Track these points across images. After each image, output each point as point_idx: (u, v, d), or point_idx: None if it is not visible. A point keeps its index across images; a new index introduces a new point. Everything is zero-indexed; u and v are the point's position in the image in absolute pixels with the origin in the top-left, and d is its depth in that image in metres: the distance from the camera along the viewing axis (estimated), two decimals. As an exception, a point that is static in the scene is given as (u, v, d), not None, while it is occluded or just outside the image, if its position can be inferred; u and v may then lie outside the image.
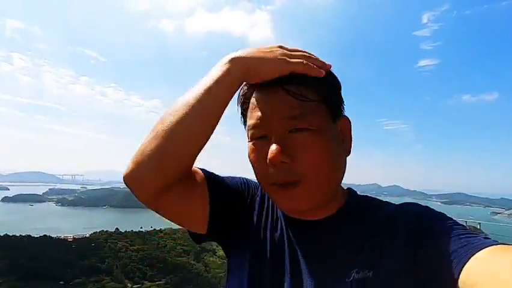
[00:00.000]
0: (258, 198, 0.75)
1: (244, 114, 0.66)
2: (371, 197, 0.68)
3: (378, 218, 0.60)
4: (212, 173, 0.74)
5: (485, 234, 0.50)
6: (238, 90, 0.65)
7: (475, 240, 0.46)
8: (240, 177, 0.79)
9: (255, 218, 0.72)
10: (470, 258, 0.43)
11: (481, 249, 0.43)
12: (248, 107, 0.64)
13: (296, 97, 0.57)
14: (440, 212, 0.56)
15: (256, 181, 0.66)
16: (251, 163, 0.63)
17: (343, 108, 0.65)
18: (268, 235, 0.68)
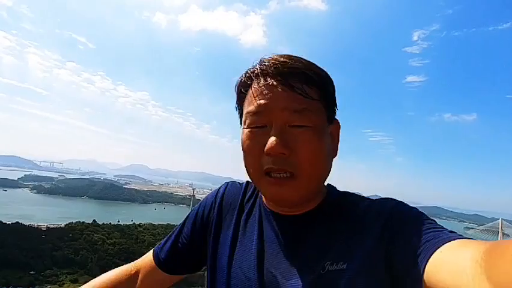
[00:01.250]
0: (215, 209, 0.79)
1: (240, 101, 0.68)
2: (349, 192, 0.70)
3: (355, 213, 0.62)
4: (163, 254, 0.81)
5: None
6: (239, 77, 0.68)
7: (441, 234, 0.49)
8: (192, 212, 0.84)
9: (214, 226, 0.77)
10: (435, 251, 0.45)
11: (446, 242, 0.46)
12: (247, 94, 0.65)
13: (300, 93, 0.59)
14: (412, 207, 0.59)
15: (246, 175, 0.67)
16: (245, 150, 0.64)
17: (336, 111, 0.68)
18: (230, 235, 0.72)
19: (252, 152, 0.62)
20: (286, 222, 0.66)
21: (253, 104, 0.62)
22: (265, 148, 0.58)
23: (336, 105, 0.67)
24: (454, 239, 0.47)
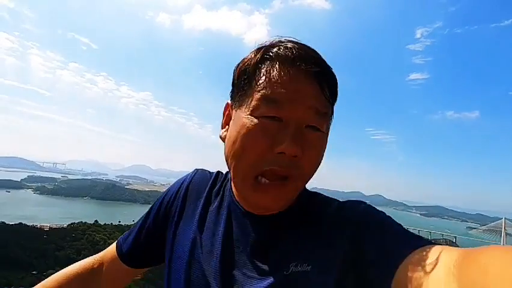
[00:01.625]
0: (180, 198, 0.74)
1: (249, 76, 0.57)
2: (319, 193, 0.68)
3: (324, 215, 0.60)
4: (126, 246, 0.78)
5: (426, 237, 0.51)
6: (249, 55, 0.59)
7: (411, 240, 0.48)
8: (157, 201, 0.79)
9: (173, 218, 0.72)
10: (406, 256, 0.44)
11: (417, 248, 0.45)
12: (258, 76, 0.55)
13: (325, 94, 0.55)
14: (380, 211, 0.57)
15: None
16: (244, 141, 0.54)
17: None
18: (192, 228, 0.68)
19: (256, 147, 0.53)
20: (256, 222, 0.62)
21: (273, 90, 0.52)
22: (282, 147, 0.51)
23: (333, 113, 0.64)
24: (424, 245, 0.46)
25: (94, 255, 0.83)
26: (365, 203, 0.60)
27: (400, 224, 0.54)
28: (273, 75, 0.53)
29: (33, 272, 39.97)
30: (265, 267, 0.57)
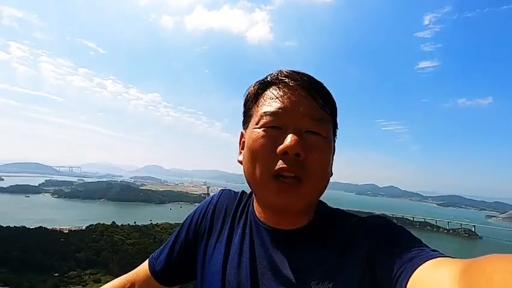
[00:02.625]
0: (208, 217, 0.79)
1: (253, 102, 0.68)
2: (339, 209, 0.71)
3: (343, 231, 0.62)
4: (159, 264, 0.82)
5: (434, 248, 0.53)
6: (257, 81, 0.69)
7: (423, 252, 0.50)
8: (186, 219, 0.83)
9: (204, 235, 0.77)
10: (416, 269, 0.47)
11: (427, 260, 0.47)
12: (263, 96, 0.66)
13: (319, 104, 0.62)
14: (399, 226, 0.60)
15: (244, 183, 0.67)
16: (253, 150, 0.62)
17: (336, 135, 0.70)
18: (222, 247, 0.71)
19: (263, 152, 0.61)
20: (277, 237, 0.66)
21: (271, 106, 0.62)
22: (282, 146, 0.58)
23: (337, 126, 0.70)
24: (434, 257, 0.47)
25: (125, 275, 0.86)
26: (384, 217, 0.63)
27: (416, 238, 0.56)
28: (271, 95, 0.64)
29: (55, 274, 40.89)
30: (289, 285, 0.60)
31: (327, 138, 0.62)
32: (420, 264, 0.47)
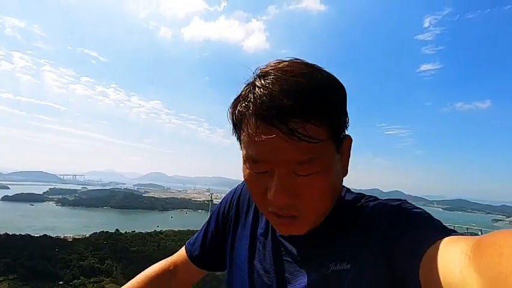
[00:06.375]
0: (233, 207, 0.82)
1: (237, 132, 0.61)
2: (359, 194, 0.68)
3: (362, 215, 0.62)
4: (195, 250, 0.87)
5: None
6: (232, 104, 0.60)
7: (437, 232, 0.49)
8: (215, 209, 0.88)
9: (232, 224, 0.80)
10: (429, 247, 0.46)
11: (440, 239, 0.46)
12: (243, 131, 0.57)
13: (303, 139, 0.51)
14: (416, 207, 0.59)
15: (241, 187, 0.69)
16: (248, 187, 0.62)
17: (347, 126, 0.61)
18: (247, 235, 0.75)
19: (256, 195, 0.60)
20: (293, 236, 0.66)
21: (251, 150, 0.56)
22: (268, 197, 0.56)
23: (347, 122, 0.60)
24: (448, 235, 0.47)
25: (166, 258, 0.93)
26: (402, 200, 0.62)
27: (432, 218, 0.55)
28: (250, 134, 0.54)
29: (60, 283, 40.86)
30: (307, 268, 0.62)
31: (323, 170, 0.55)
32: (434, 243, 0.46)
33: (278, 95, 0.52)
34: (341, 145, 0.60)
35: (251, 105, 0.54)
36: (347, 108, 0.60)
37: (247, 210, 0.79)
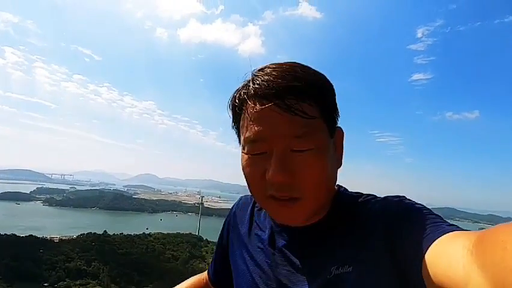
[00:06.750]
0: (230, 226, 0.86)
1: (237, 122, 0.66)
2: (360, 194, 0.69)
3: (361, 215, 0.62)
4: (212, 275, 0.94)
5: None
6: (233, 95, 0.65)
7: (439, 228, 0.49)
8: (220, 232, 0.91)
9: (231, 244, 0.83)
10: (432, 243, 0.47)
11: (443, 234, 0.47)
12: (242, 116, 0.62)
13: (299, 114, 0.56)
14: (415, 203, 0.59)
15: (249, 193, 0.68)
16: (245, 176, 0.63)
17: (338, 118, 0.65)
18: (242, 250, 0.77)
19: (254, 179, 0.61)
20: (296, 234, 0.67)
21: (250, 131, 0.59)
22: (267, 177, 0.57)
23: (337, 112, 0.64)
24: (450, 231, 0.47)
25: (201, 274, 1.01)
26: (402, 197, 0.61)
27: (433, 214, 0.55)
28: (248, 116, 0.60)
29: (45, 284, 40.24)
30: (309, 273, 0.62)
31: (318, 148, 0.58)
32: (436, 239, 0.47)
33: (275, 78, 0.58)
34: (334, 131, 0.63)
35: (251, 89, 0.60)
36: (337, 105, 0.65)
37: (242, 224, 0.81)
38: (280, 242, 0.69)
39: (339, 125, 0.66)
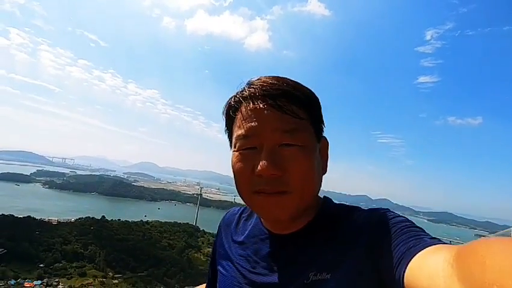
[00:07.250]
0: (218, 240, 0.87)
1: (229, 126, 0.70)
2: (344, 205, 0.71)
3: (344, 225, 0.64)
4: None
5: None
6: (228, 101, 0.70)
7: (421, 241, 0.51)
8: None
9: (218, 255, 0.84)
10: (413, 257, 0.48)
11: (425, 248, 0.48)
12: (236, 118, 0.67)
13: (288, 113, 0.61)
14: (399, 215, 0.60)
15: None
16: (234, 172, 0.65)
17: (324, 129, 0.70)
18: (229, 258, 0.77)
19: (242, 173, 0.63)
20: (278, 241, 0.69)
21: (243, 128, 0.63)
22: (257, 170, 0.60)
23: (323, 123, 0.69)
24: (432, 245, 0.48)
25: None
26: (386, 209, 0.63)
27: (417, 227, 0.56)
28: (241, 117, 0.65)
29: (41, 265, 40.45)
30: (287, 278, 0.64)
31: (304, 146, 0.62)
32: (418, 252, 0.48)
33: (269, 83, 0.64)
34: (320, 137, 0.68)
35: (246, 92, 0.65)
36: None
37: (228, 236, 0.83)
38: (264, 249, 0.70)
39: (326, 135, 0.70)
